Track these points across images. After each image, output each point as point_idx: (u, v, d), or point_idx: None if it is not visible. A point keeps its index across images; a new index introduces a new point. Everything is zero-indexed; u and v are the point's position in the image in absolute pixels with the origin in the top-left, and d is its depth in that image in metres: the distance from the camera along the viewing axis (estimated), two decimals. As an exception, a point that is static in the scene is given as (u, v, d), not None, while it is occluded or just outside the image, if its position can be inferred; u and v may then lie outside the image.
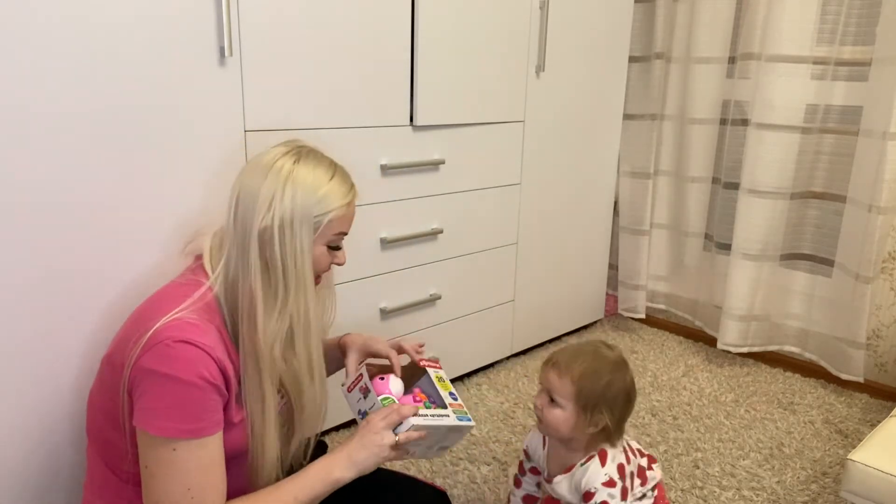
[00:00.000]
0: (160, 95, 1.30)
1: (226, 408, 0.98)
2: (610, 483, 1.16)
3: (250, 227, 0.98)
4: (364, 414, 1.12)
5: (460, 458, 1.79)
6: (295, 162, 1.00)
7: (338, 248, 1.08)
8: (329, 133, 1.61)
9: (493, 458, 1.80)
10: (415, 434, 1.06)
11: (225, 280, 1.00)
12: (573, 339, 2.59)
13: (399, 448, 1.05)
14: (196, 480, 0.92)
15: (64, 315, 1.27)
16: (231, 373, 0.97)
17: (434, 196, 1.91)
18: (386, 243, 1.82)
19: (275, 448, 1.05)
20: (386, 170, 1.76)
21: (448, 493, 1.32)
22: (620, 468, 1.18)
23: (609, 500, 1.15)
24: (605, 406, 1.16)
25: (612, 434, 1.19)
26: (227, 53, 1.37)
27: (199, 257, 1.06)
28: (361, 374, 1.16)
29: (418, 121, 1.79)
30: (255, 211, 0.97)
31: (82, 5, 1.17)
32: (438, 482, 1.69)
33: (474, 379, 2.23)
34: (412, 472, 1.69)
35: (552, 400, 1.18)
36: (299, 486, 0.99)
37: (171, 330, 0.92)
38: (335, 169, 1.04)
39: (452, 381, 2.20)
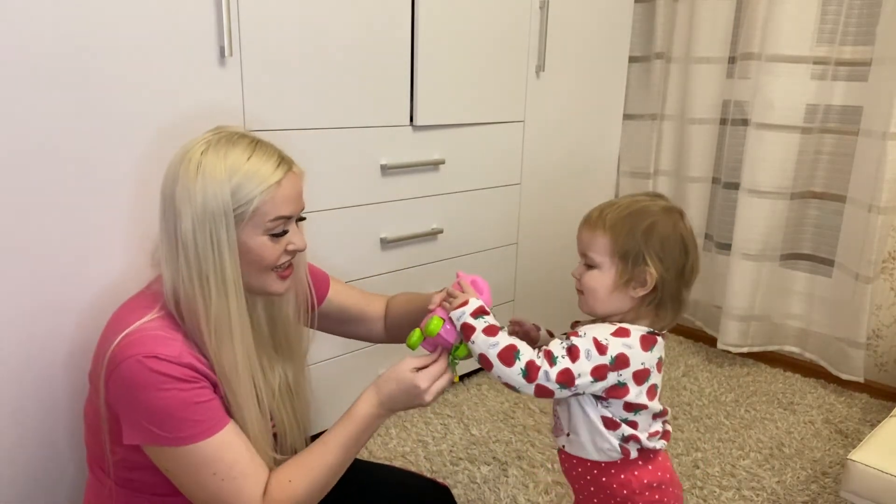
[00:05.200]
0: (160, 95, 1.30)
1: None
2: (600, 347, 0.94)
3: (172, 233, 0.91)
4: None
5: (460, 458, 1.79)
6: (203, 152, 0.91)
7: (283, 234, 0.96)
8: (329, 133, 1.61)
9: (493, 458, 1.80)
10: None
11: (172, 290, 0.93)
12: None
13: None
14: (219, 466, 0.90)
15: (58, 316, 1.27)
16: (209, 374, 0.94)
17: (434, 196, 1.91)
18: (386, 243, 1.81)
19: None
20: (386, 170, 1.76)
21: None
22: (621, 359, 0.94)
23: (580, 349, 0.94)
24: (652, 254, 0.95)
25: (664, 300, 0.98)
26: (227, 53, 1.37)
27: None
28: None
29: (418, 121, 1.79)
30: (175, 214, 0.90)
31: (83, 5, 1.17)
32: (438, 480, 1.68)
33: (474, 379, 2.23)
34: (412, 471, 1.69)
35: (589, 265, 1.00)
36: (342, 435, 0.97)
37: (131, 347, 0.88)
38: (254, 148, 0.93)
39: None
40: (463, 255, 2.05)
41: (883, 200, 1.99)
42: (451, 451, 1.83)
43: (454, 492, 1.64)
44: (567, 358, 0.94)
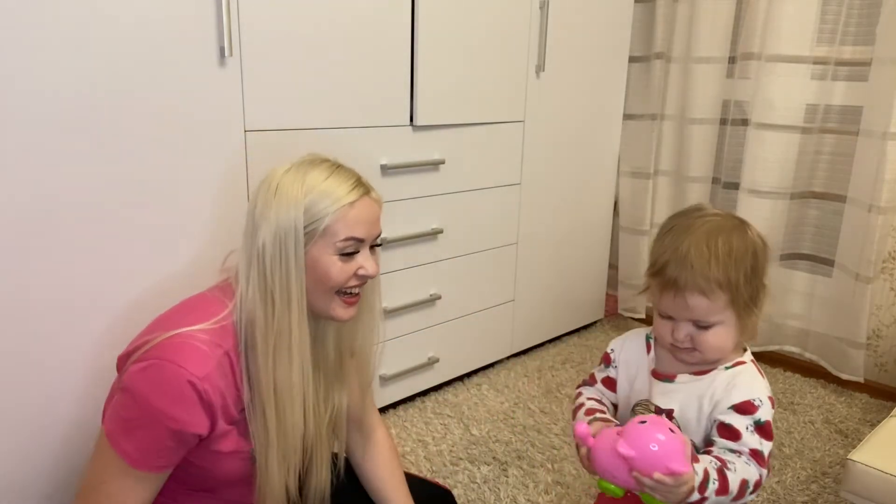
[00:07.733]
0: (160, 95, 1.30)
1: (215, 436, 0.94)
2: (772, 401, 0.90)
3: (250, 247, 0.95)
4: None
5: (460, 458, 1.79)
6: (286, 171, 0.96)
7: (353, 253, 0.98)
8: (329, 133, 1.61)
9: (494, 458, 1.80)
10: None
11: (242, 302, 0.95)
12: (573, 340, 2.58)
13: None
14: (112, 489, 0.91)
15: (68, 319, 1.27)
16: (230, 401, 0.94)
17: (434, 196, 1.91)
18: (386, 243, 1.81)
19: (278, 487, 1.00)
20: (386, 170, 1.76)
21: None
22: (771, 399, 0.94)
23: (770, 421, 0.88)
24: (761, 282, 0.93)
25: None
26: (227, 53, 1.37)
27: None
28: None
29: (418, 121, 1.79)
30: (254, 229, 0.95)
31: (82, 5, 1.17)
32: (439, 482, 1.68)
33: (474, 379, 2.23)
34: (412, 472, 1.69)
35: (700, 326, 0.93)
36: None
37: (170, 349, 0.89)
38: (332, 171, 0.97)
39: (452, 381, 2.20)
40: (463, 255, 2.05)
41: (883, 200, 1.99)
42: (451, 451, 1.83)
43: (454, 492, 1.65)
44: (765, 441, 0.91)
